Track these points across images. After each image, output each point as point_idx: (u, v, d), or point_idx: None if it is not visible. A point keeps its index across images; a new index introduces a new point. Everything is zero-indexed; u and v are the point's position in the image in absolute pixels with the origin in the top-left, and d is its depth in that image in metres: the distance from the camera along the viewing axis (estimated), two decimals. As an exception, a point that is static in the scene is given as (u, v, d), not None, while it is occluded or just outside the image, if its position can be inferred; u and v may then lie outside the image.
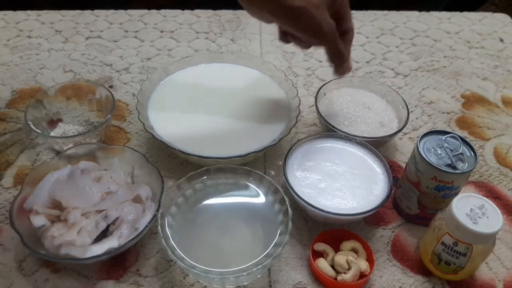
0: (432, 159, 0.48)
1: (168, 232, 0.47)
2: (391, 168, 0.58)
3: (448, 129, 0.66)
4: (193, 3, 0.94)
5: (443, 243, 0.45)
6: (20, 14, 0.86)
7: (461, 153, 0.48)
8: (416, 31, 0.87)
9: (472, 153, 0.49)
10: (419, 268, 0.49)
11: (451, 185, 0.47)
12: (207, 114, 0.61)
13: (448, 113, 0.69)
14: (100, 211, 0.47)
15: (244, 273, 0.43)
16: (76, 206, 0.47)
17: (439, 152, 0.49)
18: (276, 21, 0.50)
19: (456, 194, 0.49)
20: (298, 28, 0.49)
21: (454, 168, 0.47)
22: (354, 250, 0.48)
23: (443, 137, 0.50)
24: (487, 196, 0.54)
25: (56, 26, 0.84)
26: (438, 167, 0.47)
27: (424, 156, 0.48)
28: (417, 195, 0.50)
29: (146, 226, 0.46)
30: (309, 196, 0.49)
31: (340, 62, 0.53)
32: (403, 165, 0.60)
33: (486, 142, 0.65)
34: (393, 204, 0.55)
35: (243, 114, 0.62)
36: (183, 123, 0.60)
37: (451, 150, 0.48)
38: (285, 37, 0.55)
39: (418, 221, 0.53)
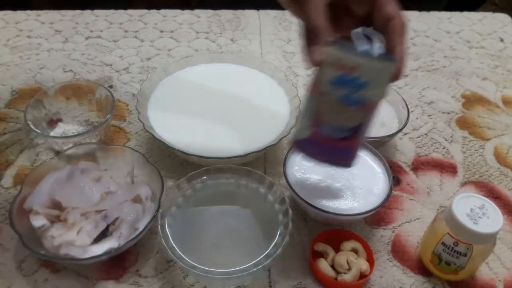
0: (336, 46, 0.37)
1: (168, 232, 0.46)
2: (391, 168, 0.58)
3: (448, 129, 0.66)
4: (193, 3, 0.94)
5: (443, 243, 0.45)
6: (20, 14, 0.86)
7: (379, 48, 0.38)
8: (416, 31, 0.87)
9: (387, 54, 0.38)
10: (420, 268, 0.49)
11: (351, 75, 0.37)
12: (207, 114, 0.61)
13: (448, 113, 0.69)
14: (100, 211, 0.47)
15: (244, 273, 0.43)
16: (76, 206, 0.47)
17: (346, 43, 0.39)
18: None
19: (359, 100, 0.38)
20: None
21: (355, 52, 0.37)
22: (354, 250, 0.48)
23: (358, 29, 0.40)
24: (488, 196, 0.54)
25: (56, 26, 0.84)
26: (339, 49, 0.37)
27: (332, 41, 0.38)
28: (312, 101, 0.39)
29: (146, 226, 0.46)
30: (309, 196, 0.49)
31: (308, 41, 0.40)
32: (404, 165, 0.60)
33: (486, 142, 0.65)
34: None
35: (243, 114, 0.62)
36: (183, 123, 0.60)
37: (366, 41, 0.39)
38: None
39: (308, 150, 0.41)
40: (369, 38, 0.40)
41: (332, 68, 0.38)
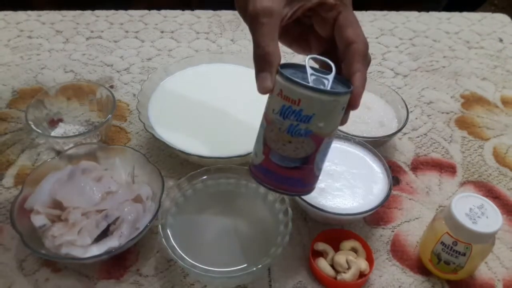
0: (286, 72, 0.36)
1: (169, 232, 0.47)
2: (391, 168, 0.58)
3: (447, 129, 0.67)
4: (193, 3, 0.94)
5: (442, 243, 0.45)
6: (21, 15, 0.86)
7: (332, 78, 0.37)
8: (416, 31, 0.88)
9: (342, 83, 0.37)
10: (419, 267, 0.49)
11: (298, 107, 0.36)
12: (207, 114, 0.61)
13: (447, 113, 0.69)
14: (100, 211, 0.47)
15: (244, 273, 0.43)
16: (77, 206, 0.47)
17: (298, 71, 0.38)
18: None
19: (306, 131, 0.37)
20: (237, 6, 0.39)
21: (300, 84, 0.35)
22: (354, 250, 0.49)
23: (308, 57, 0.38)
24: (487, 196, 0.54)
25: (57, 26, 0.84)
26: (287, 76, 0.36)
27: (280, 69, 0.37)
28: (264, 128, 0.39)
29: (147, 226, 0.46)
30: (309, 196, 0.49)
31: (257, 67, 0.38)
32: (403, 165, 0.61)
33: (485, 142, 0.65)
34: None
35: (243, 114, 0.62)
36: (183, 123, 0.60)
37: (319, 73, 0.37)
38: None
39: (261, 176, 0.40)
40: (324, 68, 0.39)
41: (279, 97, 0.37)
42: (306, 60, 0.37)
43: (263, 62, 0.37)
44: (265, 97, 0.39)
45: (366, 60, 0.39)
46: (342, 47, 0.39)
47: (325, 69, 0.39)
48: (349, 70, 0.38)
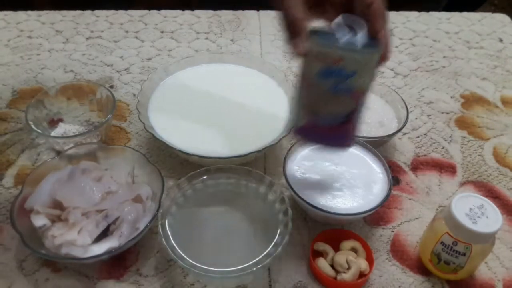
0: (318, 38, 0.38)
1: (169, 232, 0.47)
2: (391, 168, 0.58)
3: (447, 129, 0.67)
4: (193, 3, 0.94)
5: (442, 243, 0.45)
6: (21, 15, 0.86)
7: (362, 36, 0.39)
8: (416, 31, 0.88)
9: (372, 41, 0.39)
10: (419, 267, 0.49)
11: (338, 66, 0.38)
12: (207, 114, 0.61)
13: (447, 113, 0.69)
14: (100, 211, 0.47)
15: (244, 273, 0.43)
16: (77, 206, 0.47)
17: (328, 33, 0.39)
18: None
19: (349, 91, 0.39)
20: None
21: (338, 44, 0.37)
22: (354, 250, 0.49)
23: (340, 17, 0.40)
24: (487, 196, 0.54)
25: (57, 26, 0.84)
26: (323, 42, 0.37)
27: (313, 34, 0.39)
28: (302, 91, 0.41)
29: (147, 226, 0.46)
30: (309, 196, 0.49)
31: (288, 34, 0.41)
32: (403, 165, 0.61)
33: (485, 142, 0.65)
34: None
35: (243, 114, 0.62)
36: (183, 123, 0.60)
37: (348, 31, 0.39)
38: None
39: (308, 137, 0.44)
40: (350, 27, 0.40)
41: (317, 60, 0.38)
42: (338, 20, 0.39)
43: (294, 29, 0.40)
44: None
45: (386, 17, 0.42)
46: (362, 8, 0.41)
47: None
48: (374, 27, 0.40)
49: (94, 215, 0.47)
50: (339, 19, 0.40)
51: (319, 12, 0.46)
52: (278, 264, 0.49)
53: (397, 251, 0.51)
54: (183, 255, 0.45)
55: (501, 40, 0.86)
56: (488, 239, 0.44)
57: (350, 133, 0.44)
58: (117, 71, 0.74)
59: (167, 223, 0.47)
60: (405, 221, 0.54)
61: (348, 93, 0.39)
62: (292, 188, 0.50)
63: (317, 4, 0.45)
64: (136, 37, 0.82)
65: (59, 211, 0.47)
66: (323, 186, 0.51)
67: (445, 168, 0.61)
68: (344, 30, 0.39)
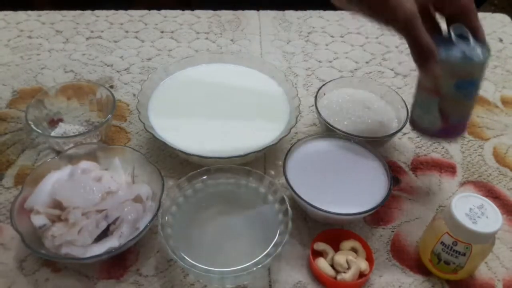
0: (445, 55, 0.44)
1: (169, 232, 0.47)
2: (391, 168, 0.58)
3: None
4: (193, 3, 0.94)
5: (442, 243, 0.45)
6: (21, 15, 0.86)
7: (473, 46, 0.45)
8: (416, 31, 0.87)
9: (483, 45, 0.45)
10: (419, 267, 0.49)
11: (470, 78, 0.45)
12: (207, 114, 0.61)
13: (447, 113, 0.69)
14: (100, 211, 0.47)
15: (244, 273, 0.43)
16: (77, 206, 0.47)
17: (449, 47, 0.45)
18: (350, 3, 0.47)
19: (477, 90, 0.47)
20: (371, 13, 0.46)
21: (471, 59, 0.44)
22: (354, 250, 0.49)
23: (452, 29, 0.46)
24: (487, 196, 0.54)
25: (57, 26, 0.84)
26: (455, 60, 0.44)
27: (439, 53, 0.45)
28: (438, 102, 0.48)
29: (147, 226, 0.46)
30: (309, 196, 0.49)
31: (420, 59, 0.44)
32: (403, 165, 0.61)
33: (485, 142, 0.65)
34: (413, 128, 0.52)
35: (243, 114, 0.62)
36: (183, 123, 0.60)
37: (463, 41, 0.45)
38: None
39: (444, 135, 0.51)
40: (460, 35, 0.45)
41: (451, 75, 0.45)
42: (453, 34, 0.45)
43: (427, 53, 0.44)
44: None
45: (476, 11, 0.46)
46: (460, 13, 0.45)
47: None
48: (473, 25, 0.45)
49: (94, 215, 0.47)
50: (452, 29, 0.45)
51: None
52: (278, 264, 0.49)
53: (397, 251, 0.51)
54: (183, 255, 0.45)
55: (501, 40, 0.86)
56: (488, 239, 0.44)
57: (465, 127, 0.51)
58: (117, 71, 0.74)
59: (167, 223, 0.47)
60: (405, 221, 0.54)
61: (475, 95, 0.47)
62: (292, 188, 0.50)
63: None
64: (136, 37, 0.82)
65: (59, 211, 0.47)
66: (323, 186, 0.51)
67: (445, 168, 0.61)
68: (461, 41, 0.45)
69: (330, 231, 0.50)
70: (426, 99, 0.49)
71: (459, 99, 0.47)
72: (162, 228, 0.46)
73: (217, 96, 0.64)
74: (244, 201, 0.51)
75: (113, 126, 0.64)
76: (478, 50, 0.44)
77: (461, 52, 0.44)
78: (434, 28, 0.48)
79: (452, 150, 0.63)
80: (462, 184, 0.59)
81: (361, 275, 0.47)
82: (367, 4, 0.45)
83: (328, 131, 0.59)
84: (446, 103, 0.47)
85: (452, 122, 0.48)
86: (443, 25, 0.48)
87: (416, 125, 0.53)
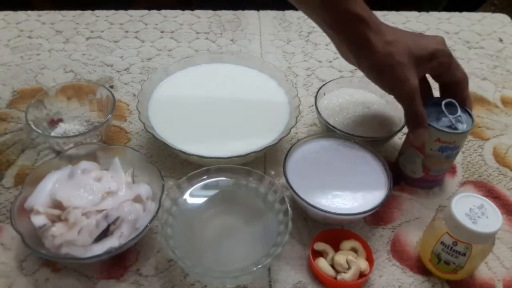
0: (434, 123, 0.51)
1: (169, 232, 0.47)
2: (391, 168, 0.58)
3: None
4: (193, 3, 0.94)
5: (442, 243, 0.45)
6: (21, 15, 0.86)
7: (459, 116, 0.52)
8: (416, 31, 0.87)
9: (468, 115, 0.53)
10: (419, 267, 0.49)
11: (453, 145, 0.52)
12: (207, 114, 0.61)
13: (447, 113, 0.69)
14: (100, 211, 0.47)
15: (244, 273, 0.43)
16: (77, 206, 0.47)
17: (439, 116, 0.52)
18: (359, 68, 0.52)
19: (457, 153, 0.54)
20: (378, 81, 0.52)
21: (455, 129, 0.51)
22: (354, 250, 0.49)
23: (443, 102, 0.52)
24: (487, 196, 0.54)
25: (57, 26, 0.84)
26: (442, 129, 0.50)
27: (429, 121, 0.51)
28: (422, 158, 0.54)
29: (147, 226, 0.46)
30: (309, 196, 0.49)
31: (413, 125, 0.51)
32: (403, 165, 0.61)
33: (485, 142, 0.65)
34: (394, 172, 0.55)
35: (243, 114, 0.62)
36: (184, 123, 0.60)
37: (450, 114, 0.51)
38: None
39: (422, 184, 0.57)
40: (449, 103, 0.52)
41: (437, 142, 0.51)
42: (443, 107, 0.51)
43: (420, 121, 0.50)
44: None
45: (467, 83, 0.54)
46: (454, 84, 0.53)
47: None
48: (461, 96, 0.53)
49: (94, 215, 0.47)
50: (443, 103, 0.51)
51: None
52: (278, 264, 0.49)
53: (397, 251, 0.51)
54: (183, 255, 0.45)
55: (501, 40, 0.86)
56: (488, 239, 0.44)
57: (445, 175, 0.58)
58: (117, 71, 0.74)
59: (167, 223, 0.47)
60: (405, 221, 0.54)
61: (454, 156, 0.54)
62: (292, 188, 0.50)
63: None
64: (136, 37, 0.82)
65: (59, 211, 0.47)
66: (323, 186, 0.51)
67: (445, 168, 0.61)
68: (450, 109, 0.51)
69: (330, 231, 0.50)
70: (411, 154, 0.55)
71: (441, 159, 0.53)
72: (162, 228, 0.46)
73: (217, 96, 0.64)
74: (244, 201, 0.51)
75: (113, 126, 0.64)
76: (463, 121, 0.51)
77: (448, 122, 0.51)
78: (425, 88, 0.55)
79: (452, 150, 0.63)
80: (462, 184, 0.59)
81: (361, 275, 0.47)
82: (376, 72, 0.51)
83: (328, 131, 0.59)
84: (429, 161, 0.54)
85: (432, 174, 0.55)
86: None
87: (399, 171, 0.58)
